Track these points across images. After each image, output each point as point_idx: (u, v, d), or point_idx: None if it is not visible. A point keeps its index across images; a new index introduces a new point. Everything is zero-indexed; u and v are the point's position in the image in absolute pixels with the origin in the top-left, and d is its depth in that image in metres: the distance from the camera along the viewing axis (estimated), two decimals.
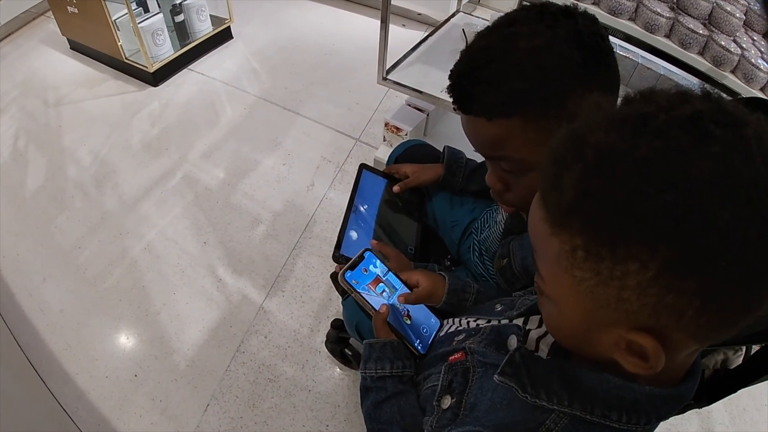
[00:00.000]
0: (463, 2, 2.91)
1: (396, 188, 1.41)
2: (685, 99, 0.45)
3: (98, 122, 2.99)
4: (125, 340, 1.99)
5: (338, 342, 1.84)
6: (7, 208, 2.65)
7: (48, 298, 2.15)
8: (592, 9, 1.87)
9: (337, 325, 1.85)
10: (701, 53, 1.86)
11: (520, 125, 0.79)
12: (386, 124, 2.43)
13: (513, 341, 0.76)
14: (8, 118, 3.31)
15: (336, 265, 1.27)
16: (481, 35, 0.82)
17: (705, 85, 0.49)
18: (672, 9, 1.86)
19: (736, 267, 0.41)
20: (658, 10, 1.78)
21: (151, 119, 2.99)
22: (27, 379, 1.89)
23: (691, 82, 1.99)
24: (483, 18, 2.78)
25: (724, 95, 0.46)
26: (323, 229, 2.36)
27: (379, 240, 1.29)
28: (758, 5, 1.91)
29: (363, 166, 1.46)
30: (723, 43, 1.78)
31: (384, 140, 2.54)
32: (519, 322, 0.83)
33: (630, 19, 1.89)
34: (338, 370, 1.90)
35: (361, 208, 1.36)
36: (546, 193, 0.51)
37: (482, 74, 0.78)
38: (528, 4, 0.83)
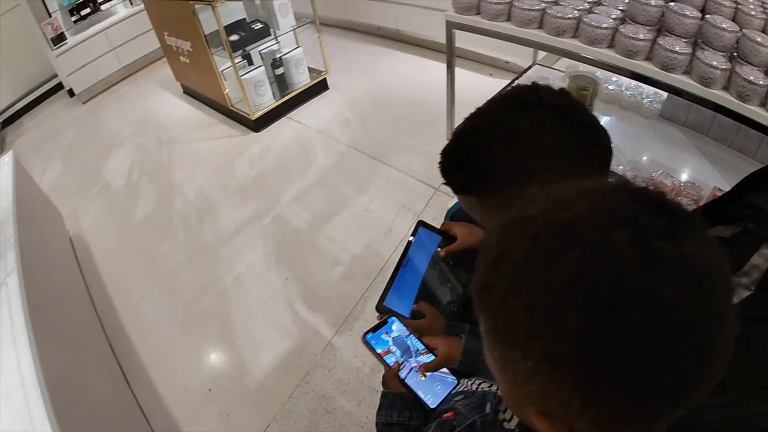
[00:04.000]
0: (540, 56, 3.10)
1: (442, 252, 1.49)
2: (568, 204, 0.48)
3: (204, 162, 3.46)
4: (206, 358, 2.32)
5: None
6: (117, 232, 3.15)
7: (144, 314, 2.55)
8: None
9: None
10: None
11: (475, 201, 0.88)
12: None
13: (487, 408, 0.83)
14: (125, 152, 3.91)
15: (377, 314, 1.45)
16: (490, 119, 0.84)
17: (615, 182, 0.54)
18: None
19: (600, 370, 0.43)
20: (714, 63, 1.79)
21: (251, 162, 3.43)
22: (114, 380, 2.26)
23: None
24: (559, 69, 2.95)
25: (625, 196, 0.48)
26: None
27: (423, 297, 1.41)
28: None
29: (420, 223, 1.54)
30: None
31: None
32: None
33: (684, 72, 1.93)
34: None
35: (412, 264, 1.49)
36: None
37: (471, 158, 0.83)
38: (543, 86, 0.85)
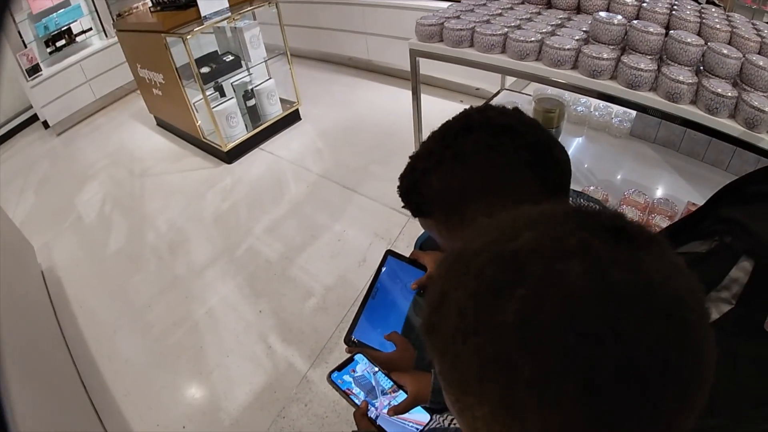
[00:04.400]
0: (509, 81, 3.17)
1: (413, 285, 1.46)
2: (514, 235, 0.44)
3: (177, 194, 3.46)
4: (179, 394, 2.30)
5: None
6: (90, 265, 3.12)
7: (116, 349, 2.52)
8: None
9: None
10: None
11: (433, 223, 0.88)
12: None
13: None
14: (98, 185, 3.88)
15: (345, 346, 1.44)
16: (439, 142, 0.85)
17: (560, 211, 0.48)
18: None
19: (565, 417, 0.39)
20: (680, 78, 1.79)
21: (224, 194, 3.44)
22: (87, 420, 2.21)
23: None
24: (527, 94, 3.03)
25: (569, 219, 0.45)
26: None
27: (394, 328, 1.38)
28: None
29: (388, 252, 1.52)
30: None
31: None
32: None
33: (650, 89, 1.92)
34: None
35: (382, 295, 1.47)
36: None
37: (422, 181, 0.83)
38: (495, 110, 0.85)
